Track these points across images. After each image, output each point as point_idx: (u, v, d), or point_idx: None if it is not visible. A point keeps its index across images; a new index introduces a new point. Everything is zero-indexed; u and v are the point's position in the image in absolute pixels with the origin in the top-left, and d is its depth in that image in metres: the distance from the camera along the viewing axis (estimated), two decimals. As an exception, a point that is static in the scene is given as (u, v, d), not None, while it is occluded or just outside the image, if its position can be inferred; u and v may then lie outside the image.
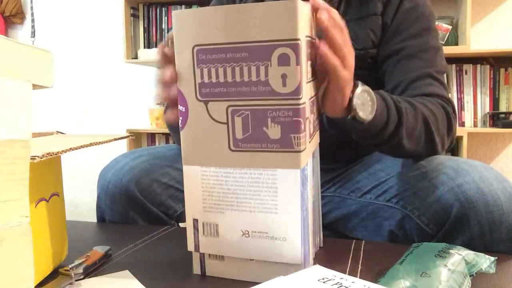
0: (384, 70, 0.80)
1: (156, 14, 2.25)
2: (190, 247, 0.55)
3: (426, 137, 0.68)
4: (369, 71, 0.81)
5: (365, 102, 0.59)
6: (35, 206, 0.50)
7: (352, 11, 0.80)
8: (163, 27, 2.25)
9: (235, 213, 0.52)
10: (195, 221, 0.54)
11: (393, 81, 0.77)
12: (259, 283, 0.44)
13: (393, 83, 0.77)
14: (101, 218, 0.84)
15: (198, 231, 0.54)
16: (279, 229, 0.50)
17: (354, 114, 0.58)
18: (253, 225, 0.51)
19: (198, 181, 0.53)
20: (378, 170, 0.80)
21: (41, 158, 0.42)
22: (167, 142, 2.32)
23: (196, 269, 0.55)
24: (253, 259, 0.52)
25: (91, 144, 0.52)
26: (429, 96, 0.73)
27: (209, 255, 0.54)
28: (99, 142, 0.55)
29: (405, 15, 0.78)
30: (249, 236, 0.52)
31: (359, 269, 0.55)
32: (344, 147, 0.86)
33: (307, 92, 0.50)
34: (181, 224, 0.86)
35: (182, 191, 0.82)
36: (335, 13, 0.52)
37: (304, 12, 0.48)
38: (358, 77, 0.80)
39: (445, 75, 0.79)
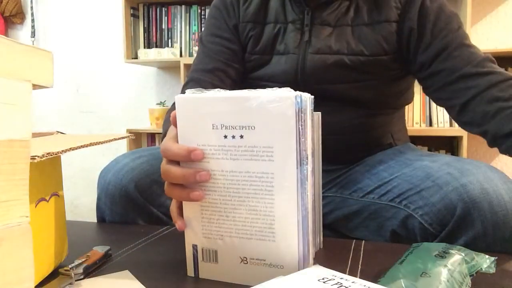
0: (433, 70, 0.76)
1: (156, 14, 2.24)
2: (190, 272, 0.55)
3: None
4: (374, 76, 0.80)
5: None
6: (35, 206, 0.50)
7: (362, 16, 0.79)
8: (163, 27, 2.24)
9: (234, 239, 0.52)
10: (195, 246, 0.54)
11: (456, 70, 0.73)
12: (252, 286, 0.44)
13: (457, 73, 0.73)
14: (101, 219, 0.83)
15: (197, 256, 0.54)
16: (277, 257, 0.50)
17: None
18: (251, 252, 0.52)
19: (197, 208, 0.53)
20: (380, 170, 0.80)
21: (41, 158, 0.42)
22: (167, 142, 2.32)
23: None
24: (246, 262, 0.52)
25: (91, 144, 0.52)
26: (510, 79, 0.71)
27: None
28: (99, 142, 0.55)
29: (437, 15, 0.76)
30: (247, 263, 0.52)
31: (359, 269, 0.55)
32: (345, 149, 0.86)
33: None
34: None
35: None
36: None
37: None
38: (362, 82, 0.80)
39: None
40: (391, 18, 0.78)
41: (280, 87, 0.81)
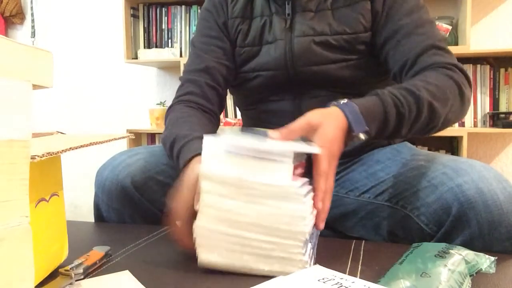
0: (385, 55, 0.80)
1: (156, 14, 2.24)
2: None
3: (431, 118, 0.69)
4: (360, 55, 0.82)
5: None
6: (35, 206, 0.50)
7: None
8: (163, 27, 2.24)
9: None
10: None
11: (399, 61, 0.78)
12: (253, 275, 0.44)
13: (400, 63, 0.78)
14: (98, 215, 0.84)
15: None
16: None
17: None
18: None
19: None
20: (377, 170, 0.80)
21: (41, 157, 0.42)
22: (167, 142, 2.31)
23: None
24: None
25: (91, 144, 0.52)
26: (436, 65, 0.73)
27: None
28: (99, 142, 0.55)
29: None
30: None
31: (359, 269, 0.55)
32: None
33: None
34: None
35: None
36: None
37: None
38: (349, 62, 0.82)
39: (446, 43, 0.79)
40: None
41: (271, 74, 0.83)
